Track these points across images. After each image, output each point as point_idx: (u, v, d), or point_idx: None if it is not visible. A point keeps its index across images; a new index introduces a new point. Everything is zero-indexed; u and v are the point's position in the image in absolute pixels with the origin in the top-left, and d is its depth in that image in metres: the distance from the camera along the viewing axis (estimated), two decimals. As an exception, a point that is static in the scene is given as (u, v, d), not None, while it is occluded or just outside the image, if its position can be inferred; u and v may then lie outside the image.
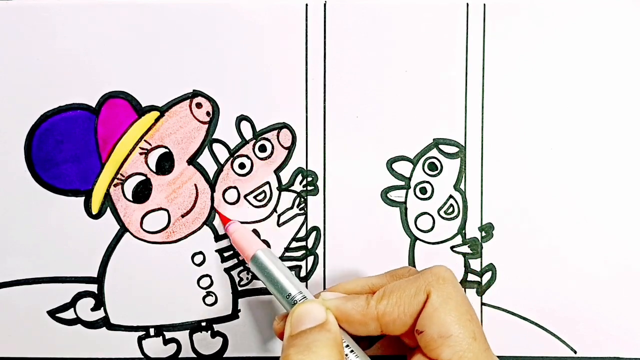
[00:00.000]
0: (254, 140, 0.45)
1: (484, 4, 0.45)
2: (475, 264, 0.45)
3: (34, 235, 0.44)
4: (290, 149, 0.45)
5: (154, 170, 0.45)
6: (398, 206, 0.45)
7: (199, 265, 0.45)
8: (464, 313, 0.37)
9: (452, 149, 0.45)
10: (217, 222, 0.45)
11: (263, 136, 0.45)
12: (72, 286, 0.45)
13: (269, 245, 0.45)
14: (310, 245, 0.45)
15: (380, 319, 0.37)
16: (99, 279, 0.45)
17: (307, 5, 0.45)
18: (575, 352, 0.45)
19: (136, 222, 0.45)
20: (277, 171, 0.45)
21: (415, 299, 0.37)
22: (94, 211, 0.45)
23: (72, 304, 0.45)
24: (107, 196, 0.45)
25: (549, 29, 0.45)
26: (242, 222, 0.45)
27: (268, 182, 0.45)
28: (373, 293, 0.38)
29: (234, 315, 0.45)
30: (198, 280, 0.45)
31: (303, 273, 0.45)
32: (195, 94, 0.45)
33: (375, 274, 0.45)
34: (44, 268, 0.45)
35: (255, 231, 0.45)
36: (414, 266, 0.45)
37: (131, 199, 0.45)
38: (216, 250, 0.45)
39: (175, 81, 0.45)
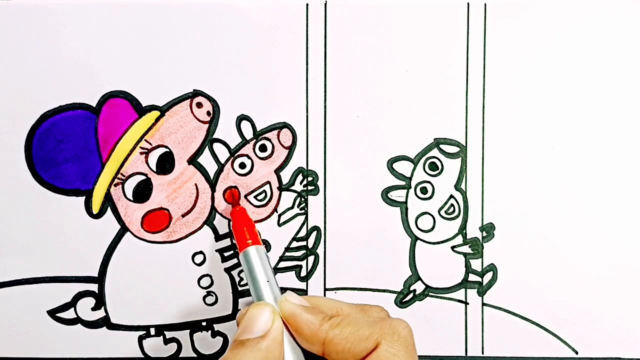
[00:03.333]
0: (255, 140, 0.45)
1: (485, 4, 0.45)
2: (476, 264, 0.45)
3: (34, 235, 0.44)
4: (291, 149, 0.45)
5: (155, 170, 0.45)
6: (398, 206, 0.45)
7: (200, 265, 0.45)
8: None
9: (453, 149, 0.45)
10: (217, 221, 0.45)
11: (263, 136, 0.45)
12: (72, 286, 0.45)
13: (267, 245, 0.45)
14: (310, 245, 0.45)
15: (326, 344, 0.37)
16: (100, 279, 0.45)
17: (307, 5, 0.45)
18: (576, 353, 0.45)
19: (137, 222, 0.45)
20: (277, 171, 0.45)
21: (365, 342, 0.37)
22: (95, 211, 0.45)
23: (72, 303, 0.45)
24: (108, 196, 0.45)
25: (550, 28, 0.45)
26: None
27: (268, 182, 0.45)
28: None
29: (235, 315, 0.45)
30: (198, 280, 0.45)
31: (303, 273, 0.45)
32: (196, 93, 0.45)
33: (375, 274, 0.45)
34: (44, 268, 0.45)
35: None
36: (415, 267, 0.45)
37: (132, 199, 0.45)
38: (216, 250, 0.45)
39: (175, 81, 0.45)
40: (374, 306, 0.41)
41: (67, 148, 0.44)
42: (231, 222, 0.44)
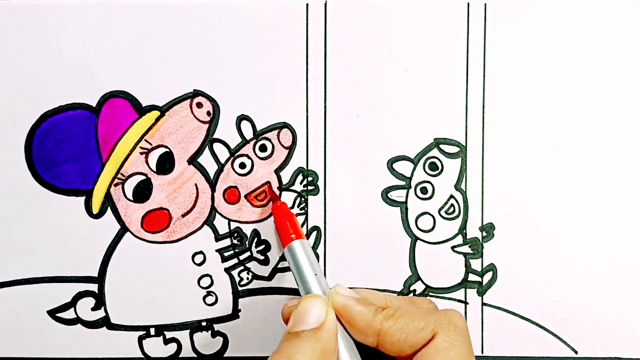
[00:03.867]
0: (255, 140, 0.45)
1: (485, 4, 0.45)
2: (476, 264, 0.45)
3: (34, 235, 0.44)
4: (291, 149, 0.45)
5: (155, 170, 0.45)
6: (399, 206, 0.45)
7: (200, 265, 0.45)
8: None
9: (453, 149, 0.45)
10: (217, 221, 0.45)
11: (263, 136, 0.45)
12: (72, 286, 0.45)
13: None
14: (311, 245, 0.45)
15: (381, 335, 0.37)
16: (100, 279, 0.45)
17: (307, 5, 0.45)
18: (576, 353, 0.45)
19: (137, 222, 0.45)
20: (277, 171, 0.45)
21: (421, 333, 0.37)
22: (95, 211, 0.45)
23: (72, 303, 0.45)
24: (108, 196, 0.45)
25: (550, 28, 0.45)
26: (242, 222, 0.45)
27: (269, 182, 0.45)
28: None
29: (235, 315, 0.45)
30: (198, 280, 0.45)
31: (303, 273, 0.45)
32: (196, 93, 0.45)
33: (375, 274, 0.45)
34: (44, 268, 0.45)
35: (255, 231, 0.45)
36: (415, 267, 0.45)
37: (132, 199, 0.45)
38: (216, 250, 0.45)
39: (175, 81, 0.45)
40: (421, 298, 0.41)
41: (67, 148, 0.44)
42: (273, 219, 0.44)
